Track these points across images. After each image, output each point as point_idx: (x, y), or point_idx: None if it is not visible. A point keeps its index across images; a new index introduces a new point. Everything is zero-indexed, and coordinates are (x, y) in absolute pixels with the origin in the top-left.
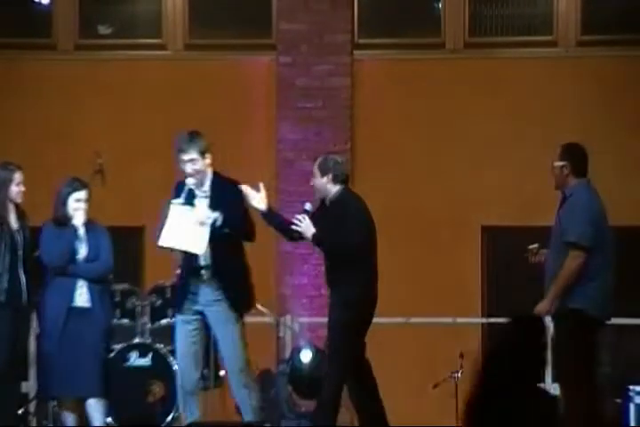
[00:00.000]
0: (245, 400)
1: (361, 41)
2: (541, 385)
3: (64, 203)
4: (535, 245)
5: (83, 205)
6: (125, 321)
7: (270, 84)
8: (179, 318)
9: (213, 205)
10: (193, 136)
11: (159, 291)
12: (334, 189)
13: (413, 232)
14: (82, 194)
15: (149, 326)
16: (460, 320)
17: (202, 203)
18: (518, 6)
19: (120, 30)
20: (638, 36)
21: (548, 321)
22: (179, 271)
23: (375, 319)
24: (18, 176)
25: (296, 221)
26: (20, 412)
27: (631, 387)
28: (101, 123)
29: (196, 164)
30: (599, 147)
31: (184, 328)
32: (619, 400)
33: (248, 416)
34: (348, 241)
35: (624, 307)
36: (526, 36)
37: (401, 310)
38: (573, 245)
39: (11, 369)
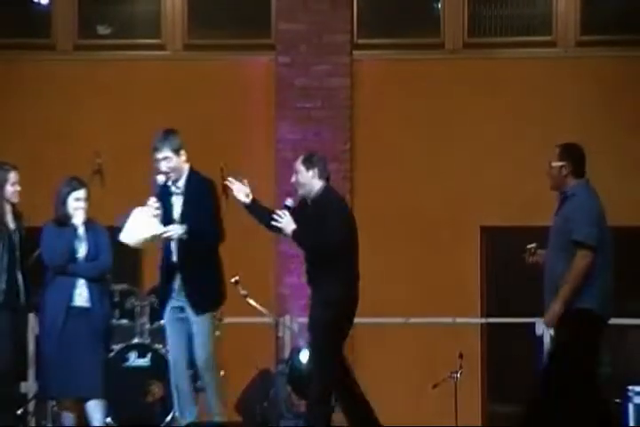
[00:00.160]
0: (210, 398)
1: (360, 41)
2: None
3: (64, 202)
4: (533, 245)
5: (82, 204)
6: (124, 321)
7: (269, 84)
8: (165, 313)
9: (186, 202)
10: (167, 134)
11: (158, 291)
12: (318, 184)
13: (413, 232)
14: (81, 193)
15: (148, 326)
16: (459, 320)
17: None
18: (517, 7)
19: (119, 30)
20: (637, 36)
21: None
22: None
23: (375, 319)
24: (13, 176)
25: (276, 217)
26: (19, 412)
27: (630, 387)
28: (101, 123)
29: (170, 162)
30: (598, 147)
31: (171, 317)
32: (618, 400)
33: (217, 417)
34: (330, 240)
35: (624, 307)
36: (525, 37)
37: (401, 310)
38: (581, 244)
39: (10, 369)
